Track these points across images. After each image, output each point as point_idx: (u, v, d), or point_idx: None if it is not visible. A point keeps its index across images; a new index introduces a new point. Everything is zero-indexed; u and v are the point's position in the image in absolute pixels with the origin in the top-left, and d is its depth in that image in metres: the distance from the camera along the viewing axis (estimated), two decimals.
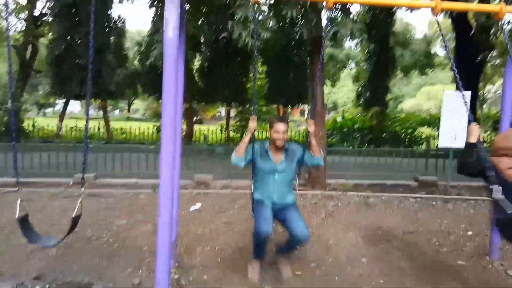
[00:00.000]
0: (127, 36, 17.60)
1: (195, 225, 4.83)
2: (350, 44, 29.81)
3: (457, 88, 7.00)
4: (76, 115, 39.29)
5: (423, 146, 14.35)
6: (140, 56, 15.55)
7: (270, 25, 6.36)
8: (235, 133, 16.44)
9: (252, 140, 3.28)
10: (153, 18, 12.52)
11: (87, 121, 3.07)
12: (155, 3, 9.73)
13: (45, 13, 17.01)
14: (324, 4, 5.84)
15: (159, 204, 2.61)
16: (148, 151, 8.57)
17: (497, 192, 2.74)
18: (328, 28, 6.19)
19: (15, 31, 17.35)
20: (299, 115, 50.06)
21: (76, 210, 3.04)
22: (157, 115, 37.62)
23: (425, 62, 26.48)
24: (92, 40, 2.99)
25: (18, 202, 2.93)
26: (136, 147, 10.15)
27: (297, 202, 3.55)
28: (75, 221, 3.05)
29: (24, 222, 2.98)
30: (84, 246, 4.09)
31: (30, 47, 16.99)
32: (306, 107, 48.65)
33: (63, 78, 14.54)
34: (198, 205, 5.69)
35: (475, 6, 3.62)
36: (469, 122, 2.92)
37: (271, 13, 5.95)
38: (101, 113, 17.20)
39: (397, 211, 5.83)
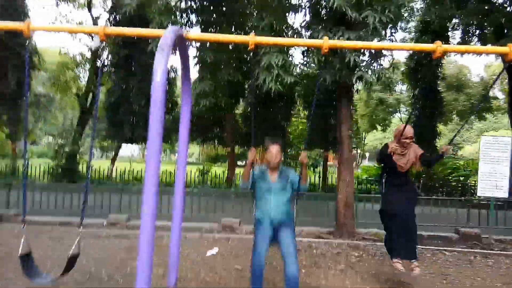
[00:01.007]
0: (178, 84, 18.72)
1: (206, 270, 4.77)
2: (400, 88, 29.35)
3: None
4: (135, 159, 41.27)
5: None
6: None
7: (297, 71, 6.46)
8: None
9: (253, 167, 3.81)
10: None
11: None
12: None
13: (105, 64, 18.69)
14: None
15: (138, 249, 2.50)
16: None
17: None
18: (355, 74, 6.21)
19: (80, 81, 19.18)
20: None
21: (73, 249, 3.16)
22: (209, 159, 38.87)
23: (482, 107, 25.22)
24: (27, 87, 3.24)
25: (23, 239, 3.11)
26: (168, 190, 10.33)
27: (295, 232, 3.76)
28: (71, 260, 3.16)
29: (26, 258, 3.13)
30: (94, 286, 4.18)
31: (90, 95, 18.59)
32: (356, 152, 47.52)
33: (117, 123, 15.59)
34: (215, 249, 5.64)
35: (464, 47, 3.49)
36: None
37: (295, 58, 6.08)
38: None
39: (427, 265, 5.36)
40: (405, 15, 6.38)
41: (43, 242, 5.85)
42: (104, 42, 3.09)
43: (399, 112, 31.63)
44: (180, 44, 3.25)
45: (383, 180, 4.50)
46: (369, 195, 10.31)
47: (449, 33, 14.07)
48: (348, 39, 5.73)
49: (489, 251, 6.09)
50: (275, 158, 3.76)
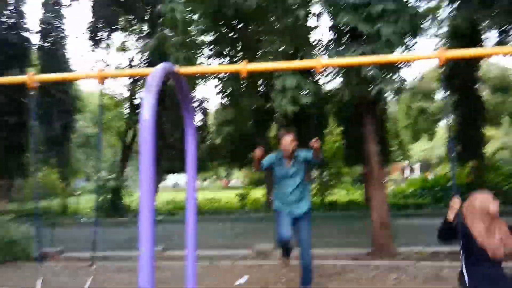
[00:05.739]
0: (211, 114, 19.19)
1: None
2: (442, 96, 28.21)
3: None
4: (181, 188, 42.02)
5: None
6: (218, 130, 16.68)
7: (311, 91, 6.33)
8: (313, 197, 16.04)
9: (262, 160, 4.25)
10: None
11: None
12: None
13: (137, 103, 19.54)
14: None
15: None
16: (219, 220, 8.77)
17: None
18: (372, 88, 6.04)
19: (119, 120, 20.19)
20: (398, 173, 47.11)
21: None
22: (251, 183, 38.95)
23: None
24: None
25: (39, 282, 3.23)
26: (205, 218, 10.41)
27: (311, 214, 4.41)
28: None
29: None
30: None
31: (131, 131, 19.45)
32: (403, 164, 45.61)
33: (155, 156, 16.11)
34: (245, 278, 5.54)
35: (472, 51, 3.28)
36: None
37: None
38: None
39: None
40: (426, 23, 6.13)
41: (76, 279, 6.02)
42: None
43: (444, 120, 30.33)
44: (176, 79, 3.34)
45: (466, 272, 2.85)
46: (409, 210, 9.78)
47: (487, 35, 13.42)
48: (362, 53, 5.62)
49: None
50: (288, 146, 4.18)
